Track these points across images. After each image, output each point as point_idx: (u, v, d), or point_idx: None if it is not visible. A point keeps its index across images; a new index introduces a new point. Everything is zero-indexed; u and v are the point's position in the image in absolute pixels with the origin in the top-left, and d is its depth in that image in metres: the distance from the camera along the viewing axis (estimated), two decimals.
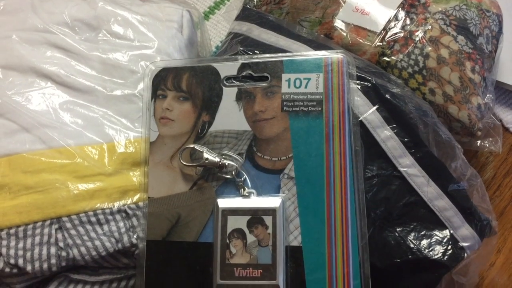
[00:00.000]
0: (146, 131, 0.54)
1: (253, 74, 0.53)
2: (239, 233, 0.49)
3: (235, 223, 0.49)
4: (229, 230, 0.49)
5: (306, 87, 0.52)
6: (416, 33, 0.62)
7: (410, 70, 0.61)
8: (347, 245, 0.48)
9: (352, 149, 0.50)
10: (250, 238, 0.49)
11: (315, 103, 0.51)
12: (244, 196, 0.50)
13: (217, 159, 0.51)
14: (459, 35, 0.63)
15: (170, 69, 0.55)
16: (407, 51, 0.62)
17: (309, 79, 0.52)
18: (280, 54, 0.54)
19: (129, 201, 0.52)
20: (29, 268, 0.47)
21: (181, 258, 0.51)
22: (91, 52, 0.57)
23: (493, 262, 0.64)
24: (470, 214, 0.52)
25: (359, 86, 0.54)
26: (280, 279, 0.48)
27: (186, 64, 0.55)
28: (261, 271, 0.48)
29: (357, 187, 0.49)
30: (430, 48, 0.61)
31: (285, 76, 0.52)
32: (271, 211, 0.49)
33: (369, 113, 0.53)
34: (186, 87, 0.54)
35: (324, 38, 0.63)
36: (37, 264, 0.48)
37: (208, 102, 0.53)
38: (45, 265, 0.48)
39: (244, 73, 0.53)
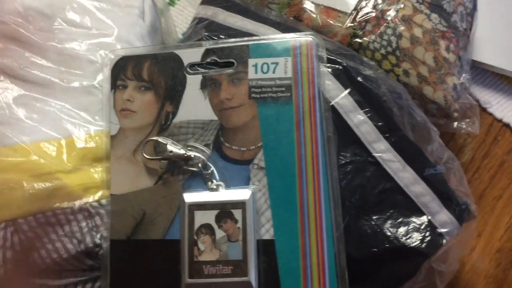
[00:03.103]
0: (107, 124, 0.51)
1: (218, 60, 0.51)
2: (207, 229, 0.47)
3: (202, 218, 0.47)
4: (196, 226, 0.47)
5: (274, 72, 0.49)
6: (388, 12, 0.60)
7: (383, 51, 0.59)
8: (321, 236, 0.46)
9: (324, 136, 0.48)
10: (219, 233, 0.47)
11: (284, 89, 0.49)
12: (211, 189, 0.48)
13: (182, 151, 0.49)
14: (433, 13, 0.61)
15: (130, 57, 0.52)
16: (379, 31, 0.60)
17: (276, 63, 0.50)
18: (246, 38, 0.52)
19: (91, 199, 0.49)
20: None
21: (148, 257, 0.48)
22: (47, 42, 0.54)
23: (473, 247, 0.63)
24: (448, 199, 0.50)
25: (330, 70, 0.52)
26: (252, 275, 0.46)
27: (147, 52, 0.52)
28: (232, 267, 0.46)
29: (330, 175, 0.47)
30: (402, 28, 0.59)
31: (251, 61, 0.50)
32: (241, 204, 0.47)
33: (341, 97, 0.51)
34: (148, 76, 0.51)
35: (293, 21, 0.61)
36: None
37: (172, 92, 0.51)
38: (1, 270, 0.45)
39: (208, 60, 0.51)
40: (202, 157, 0.49)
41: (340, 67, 0.52)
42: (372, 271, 0.49)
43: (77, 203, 0.49)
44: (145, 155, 0.50)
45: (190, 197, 0.48)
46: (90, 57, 0.54)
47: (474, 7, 0.67)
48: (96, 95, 0.53)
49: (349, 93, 0.52)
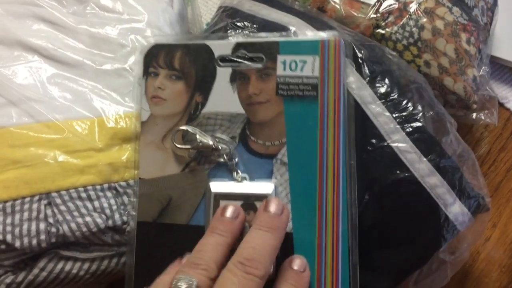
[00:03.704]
0: (137, 107, 0.53)
1: (248, 54, 0.51)
2: None
3: None
4: None
5: (301, 70, 0.49)
6: (411, 5, 0.61)
7: (405, 42, 0.60)
8: (337, 231, 0.47)
9: (346, 136, 0.49)
10: None
11: (310, 88, 0.49)
12: (236, 181, 0.49)
13: (210, 142, 0.50)
14: (454, 6, 0.62)
15: (163, 46, 0.53)
16: (401, 22, 0.61)
17: (305, 61, 0.50)
18: (275, 34, 0.52)
19: (119, 178, 0.51)
20: (17, 244, 0.46)
21: (172, 240, 0.50)
22: (79, 25, 0.56)
23: (488, 237, 0.64)
24: (462, 191, 0.51)
25: (350, 61, 0.53)
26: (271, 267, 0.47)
27: (179, 41, 0.53)
28: None
29: (349, 174, 0.48)
30: (425, 20, 0.60)
31: (280, 58, 0.50)
32: (264, 197, 0.47)
33: (361, 89, 0.52)
34: (179, 65, 0.52)
35: (317, 12, 0.62)
36: (26, 240, 0.47)
37: (202, 82, 0.51)
38: (34, 241, 0.47)
39: (238, 53, 0.51)
40: (229, 148, 0.50)
41: (360, 60, 0.53)
42: (384, 259, 0.50)
43: (107, 181, 0.50)
44: (175, 144, 0.51)
45: (216, 186, 0.49)
46: (121, 41, 0.56)
47: (495, 3, 0.68)
48: (126, 77, 0.55)
49: (368, 84, 0.53)
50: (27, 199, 0.48)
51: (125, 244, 0.51)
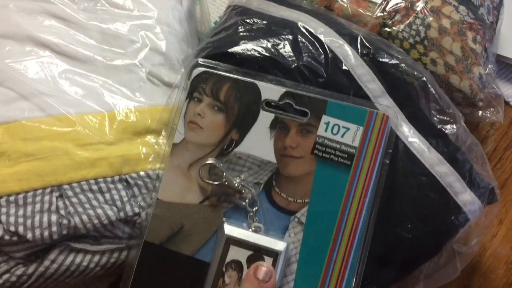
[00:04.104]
0: (178, 100, 0.52)
1: (294, 105, 0.50)
2: (237, 265, 0.48)
3: (236, 254, 0.48)
4: (228, 259, 0.48)
5: (342, 136, 0.49)
6: (417, 3, 0.62)
7: (411, 40, 0.61)
8: None
9: (368, 213, 0.48)
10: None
11: (346, 156, 0.49)
12: (251, 230, 0.49)
13: (236, 184, 0.49)
14: (461, 5, 0.63)
15: (213, 74, 0.52)
16: (408, 21, 0.61)
17: (348, 129, 0.49)
18: (326, 92, 0.51)
19: (130, 170, 0.51)
20: (29, 235, 0.47)
21: (173, 268, 0.49)
22: (90, 21, 0.56)
23: (495, 234, 0.65)
24: (472, 181, 0.52)
25: (362, 57, 0.54)
26: None
27: (230, 74, 0.52)
28: None
29: (361, 251, 0.48)
30: (431, 18, 0.61)
31: (325, 118, 0.49)
32: (274, 254, 0.47)
33: (371, 82, 0.53)
34: (224, 98, 0.51)
35: (325, 10, 0.63)
36: (37, 232, 0.47)
37: (242, 121, 0.51)
38: (46, 233, 0.47)
39: (285, 101, 0.51)
40: (252, 194, 0.50)
41: (370, 55, 0.54)
42: (395, 250, 0.50)
43: (118, 173, 0.50)
44: (201, 178, 0.50)
45: (230, 230, 0.48)
46: (132, 37, 0.57)
47: (501, 2, 0.69)
48: (136, 73, 0.55)
49: (378, 78, 0.53)
50: (39, 191, 0.48)
51: (135, 237, 0.51)
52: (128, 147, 0.52)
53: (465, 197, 0.51)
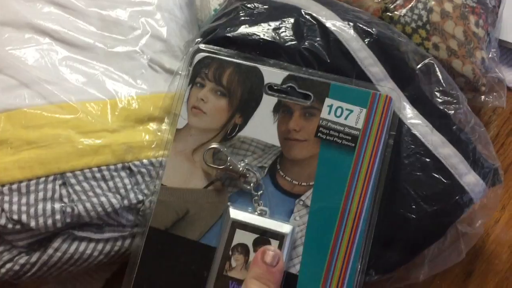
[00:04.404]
0: (181, 88, 0.52)
1: (297, 89, 0.50)
2: (243, 249, 0.47)
3: (242, 237, 0.48)
4: (234, 242, 0.48)
5: (346, 118, 0.49)
6: None
7: (413, 25, 0.60)
8: (343, 282, 0.47)
9: (373, 194, 0.48)
10: (253, 256, 0.47)
11: (350, 138, 0.48)
12: (257, 213, 0.49)
13: (240, 168, 0.49)
14: None
15: (215, 59, 0.52)
16: (410, 5, 0.61)
17: (351, 111, 0.49)
18: (329, 75, 0.51)
19: (133, 158, 0.51)
20: (33, 224, 0.46)
21: (179, 253, 0.49)
22: (90, 8, 0.56)
23: (498, 219, 0.64)
24: (476, 162, 0.52)
25: (363, 40, 0.53)
26: None
27: (232, 58, 0.52)
28: None
29: (367, 232, 0.48)
30: (433, 2, 0.61)
31: (328, 101, 0.49)
32: (280, 236, 0.47)
33: (373, 66, 0.53)
34: (227, 82, 0.51)
35: None
36: (41, 220, 0.46)
37: (245, 105, 0.51)
38: (49, 221, 0.46)
39: (287, 85, 0.51)
40: (257, 178, 0.50)
41: (372, 39, 0.54)
42: (400, 233, 0.50)
43: (121, 161, 0.50)
44: (206, 162, 0.50)
45: (235, 213, 0.48)
46: (132, 23, 0.56)
47: None
48: (137, 59, 0.55)
49: (380, 62, 0.53)
50: (42, 179, 0.48)
51: (139, 225, 0.51)
52: (131, 134, 0.51)
53: (469, 179, 0.51)
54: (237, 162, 0.50)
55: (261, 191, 0.49)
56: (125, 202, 0.49)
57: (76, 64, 0.53)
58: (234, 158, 0.50)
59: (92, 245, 0.49)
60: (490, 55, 0.63)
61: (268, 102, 0.50)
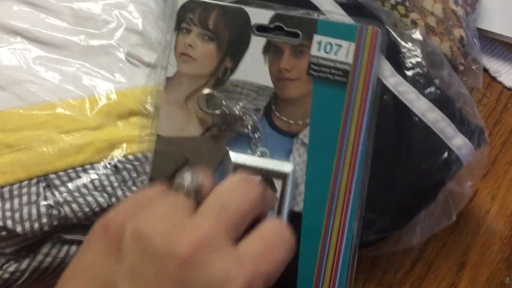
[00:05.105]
0: (165, 59, 0.51)
1: (285, 28, 0.49)
2: None
3: None
4: None
5: (336, 54, 0.49)
6: None
7: (392, 1, 0.60)
8: (346, 215, 0.48)
9: (368, 127, 0.48)
10: None
11: (341, 73, 0.48)
12: (257, 154, 0.49)
13: (236, 111, 0.49)
14: None
15: (199, 2, 0.50)
16: None
17: (340, 46, 0.49)
18: (316, 12, 0.52)
19: (117, 155, 0.49)
20: (19, 229, 0.44)
21: None
22: (61, 3, 0.54)
23: (488, 210, 0.65)
24: (462, 124, 0.52)
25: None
26: None
27: (216, 1, 0.51)
28: None
29: (365, 165, 0.48)
30: None
31: (316, 38, 0.49)
32: (282, 175, 0.47)
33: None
34: (213, 26, 0.50)
35: None
36: (27, 225, 0.45)
37: (234, 48, 0.50)
38: (36, 225, 0.45)
39: (275, 24, 0.50)
40: (253, 120, 0.49)
41: (355, 5, 0.54)
42: (391, 198, 0.51)
43: (105, 158, 0.48)
44: (201, 107, 0.49)
45: (236, 157, 0.48)
46: (106, 17, 0.54)
47: None
48: (114, 54, 0.53)
49: None
50: (25, 182, 0.46)
51: None
52: (113, 130, 0.50)
53: (457, 141, 0.51)
54: (232, 105, 0.49)
55: (258, 133, 0.49)
56: (113, 200, 0.47)
57: (52, 62, 0.51)
58: (230, 103, 0.49)
59: None
60: (469, 36, 0.63)
61: (257, 43, 0.50)
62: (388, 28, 0.53)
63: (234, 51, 0.50)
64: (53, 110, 0.48)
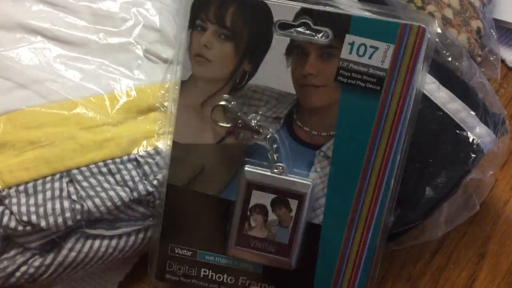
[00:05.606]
0: (178, 61, 0.49)
1: (312, 25, 0.44)
2: (261, 209, 0.46)
3: (259, 198, 0.46)
4: (251, 203, 0.46)
5: (370, 57, 0.43)
6: None
7: None
8: (367, 233, 0.46)
9: (400, 143, 0.45)
10: (272, 216, 0.46)
11: (375, 80, 0.43)
12: (274, 171, 0.46)
13: (253, 124, 0.46)
14: None
15: None
16: None
17: (376, 48, 0.43)
18: (350, 6, 0.46)
19: (139, 150, 0.50)
20: (43, 224, 0.45)
21: (200, 208, 0.49)
22: (79, 2, 0.54)
23: (507, 200, 0.65)
24: (483, 112, 0.52)
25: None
26: (293, 258, 0.47)
27: None
28: (276, 248, 0.47)
29: (394, 181, 0.46)
30: None
31: (349, 38, 0.43)
32: (299, 196, 0.45)
33: None
34: (231, 23, 0.45)
35: None
36: (51, 219, 0.45)
37: (254, 49, 0.45)
38: (59, 220, 0.45)
39: (301, 21, 0.44)
40: (271, 132, 0.46)
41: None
42: (413, 186, 0.50)
43: (126, 153, 0.49)
44: (215, 122, 0.47)
45: (251, 174, 0.46)
46: (124, 15, 0.55)
47: None
48: (132, 51, 0.54)
49: None
50: (48, 178, 0.47)
51: (150, 216, 0.50)
52: (133, 126, 0.50)
53: (479, 131, 0.51)
54: (249, 116, 0.46)
55: (276, 145, 0.46)
56: (135, 194, 0.48)
57: (71, 61, 0.52)
58: (247, 110, 0.46)
59: (106, 242, 0.48)
60: (486, 31, 0.63)
61: (279, 43, 0.45)
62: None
63: (254, 52, 0.45)
64: (74, 107, 0.49)
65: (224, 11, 0.45)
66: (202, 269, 0.49)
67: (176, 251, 0.49)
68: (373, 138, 0.44)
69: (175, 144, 0.48)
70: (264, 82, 0.46)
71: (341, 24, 0.43)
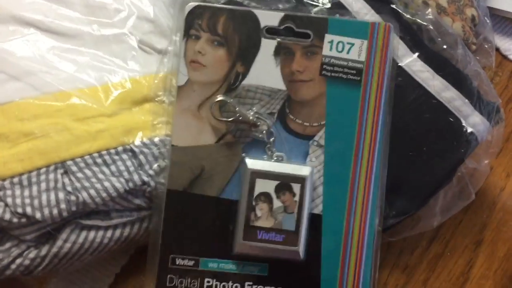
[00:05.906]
0: (174, 67, 0.51)
1: (295, 28, 0.49)
2: (266, 197, 0.48)
3: (263, 186, 0.48)
4: (256, 192, 0.48)
5: (348, 52, 0.49)
6: None
7: None
8: (366, 213, 0.48)
9: (384, 125, 0.49)
10: (277, 203, 0.47)
11: (354, 72, 0.49)
12: (274, 160, 0.49)
13: (250, 117, 0.49)
14: None
15: (207, 7, 0.50)
16: None
17: (352, 44, 0.49)
18: (326, 10, 0.51)
19: (134, 139, 0.50)
20: (38, 215, 0.45)
21: (201, 212, 0.49)
22: None
23: (503, 187, 0.65)
24: (477, 101, 0.52)
25: None
26: (301, 246, 0.48)
27: (224, 5, 0.51)
28: (284, 236, 0.48)
29: (383, 163, 0.49)
30: None
31: (328, 37, 0.49)
32: (301, 179, 0.47)
33: (371, 15, 0.53)
34: (223, 30, 0.50)
35: None
36: (46, 211, 0.45)
37: (245, 52, 0.50)
38: (55, 211, 0.45)
39: (285, 26, 0.50)
40: (268, 125, 0.49)
41: None
42: (408, 174, 0.51)
43: (121, 144, 0.49)
44: (214, 116, 0.49)
45: (253, 164, 0.48)
46: (117, 6, 0.55)
47: None
48: (126, 42, 0.53)
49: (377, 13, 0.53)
50: (43, 169, 0.46)
51: (146, 208, 0.50)
52: (128, 117, 0.50)
53: (473, 119, 0.52)
54: (245, 111, 0.49)
55: (273, 138, 0.49)
56: (130, 184, 0.48)
57: (65, 53, 0.51)
58: (243, 109, 0.49)
59: (101, 233, 0.48)
60: (480, 16, 0.63)
61: (267, 46, 0.49)
62: (398, 9, 0.53)
63: (245, 55, 0.50)
64: (68, 99, 0.49)
65: (216, 20, 0.50)
66: (206, 279, 0.49)
67: (177, 262, 0.49)
68: (359, 122, 0.49)
69: (174, 148, 0.49)
70: (256, 81, 0.50)
71: (320, 26, 0.49)
